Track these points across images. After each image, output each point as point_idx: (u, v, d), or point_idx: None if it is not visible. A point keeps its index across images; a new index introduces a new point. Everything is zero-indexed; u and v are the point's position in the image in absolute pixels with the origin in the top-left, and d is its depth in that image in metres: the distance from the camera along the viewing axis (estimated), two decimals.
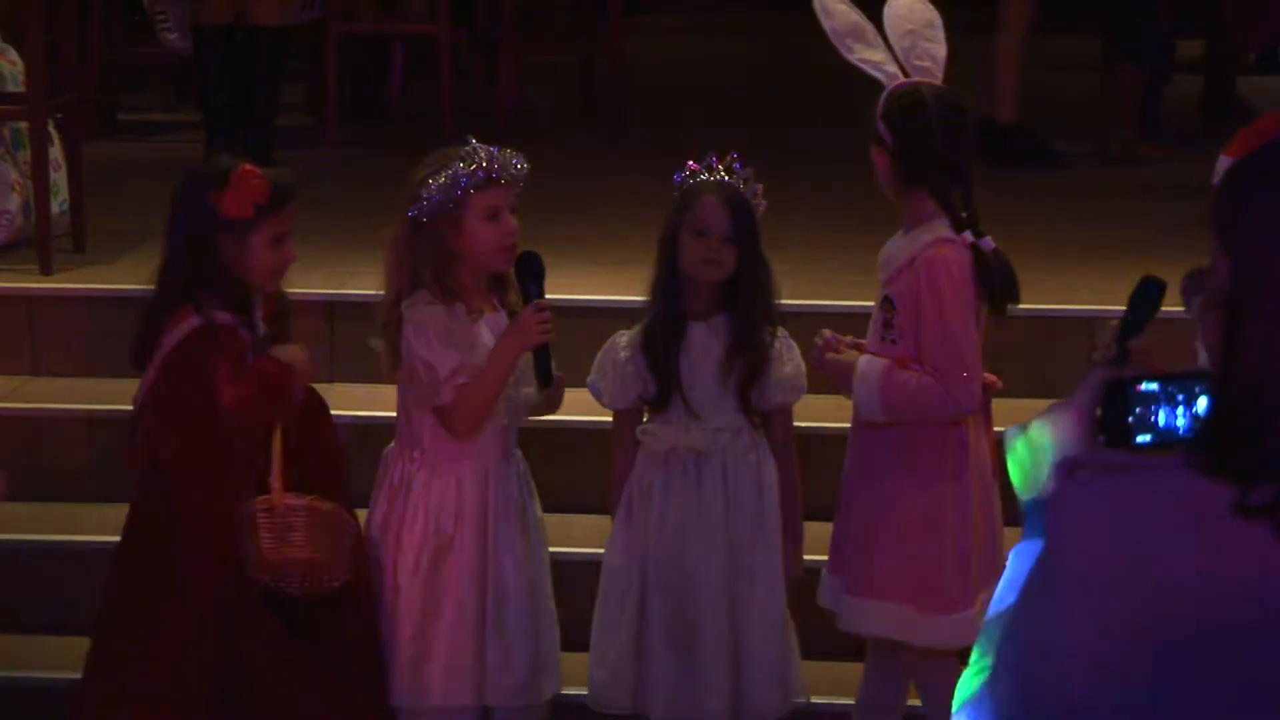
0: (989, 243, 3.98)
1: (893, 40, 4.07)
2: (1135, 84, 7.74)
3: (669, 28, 10.65)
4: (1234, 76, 8.13)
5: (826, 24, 4.08)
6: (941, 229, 3.95)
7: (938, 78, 4.03)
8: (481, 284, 4.09)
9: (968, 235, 3.95)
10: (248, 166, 3.99)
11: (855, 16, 4.09)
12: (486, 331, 4.06)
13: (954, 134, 3.97)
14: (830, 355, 4.06)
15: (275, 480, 3.94)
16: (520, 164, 4.06)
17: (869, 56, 4.05)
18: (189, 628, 4.01)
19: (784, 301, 4.65)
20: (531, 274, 4.02)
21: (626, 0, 8.68)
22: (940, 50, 4.06)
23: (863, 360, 3.99)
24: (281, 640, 4.05)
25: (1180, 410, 1.78)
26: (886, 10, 4.12)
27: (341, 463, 4.20)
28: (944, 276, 3.92)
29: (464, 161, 4.01)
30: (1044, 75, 8.38)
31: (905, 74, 4.03)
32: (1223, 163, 3.77)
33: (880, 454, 4.04)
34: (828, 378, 4.11)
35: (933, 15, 4.11)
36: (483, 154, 4.02)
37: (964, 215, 3.96)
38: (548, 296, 4.02)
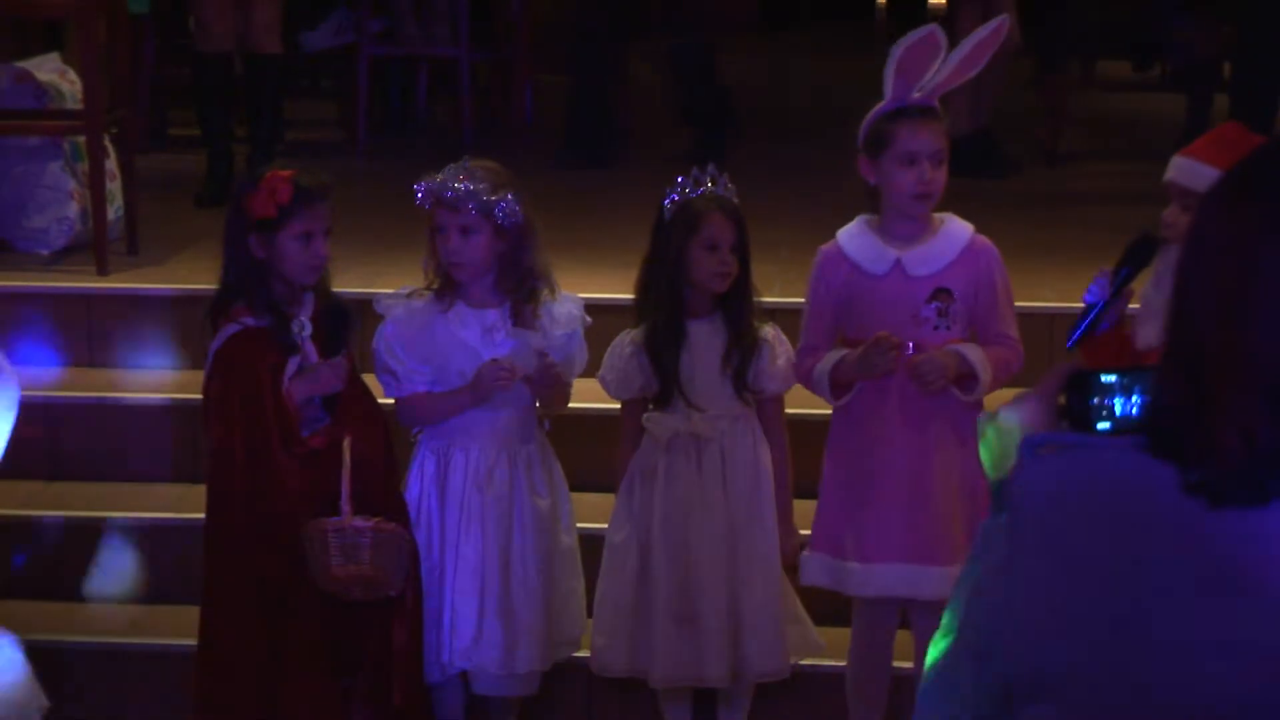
0: None
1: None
2: (1064, 90, 7.97)
3: (667, 51, 10.61)
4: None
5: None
6: (957, 220, 4.03)
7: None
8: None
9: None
10: (280, 171, 3.92)
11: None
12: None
13: None
14: (920, 357, 3.91)
15: (346, 502, 3.84)
16: (458, 192, 3.99)
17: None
18: (240, 599, 3.94)
19: (776, 299, 4.60)
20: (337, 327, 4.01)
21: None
22: (942, 75, 3.95)
23: (964, 349, 3.93)
24: (329, 629, 3.96)
25: (1135, 400, 1.80)
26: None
27: (394, 470, 4.11)
28: (1000, 259, 4.04)
29: (436, 176, 4.04)
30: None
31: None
32: (1179, 162, 3.77)
33: (910, 429, 3.96)
34: (920, 376, 3.91)
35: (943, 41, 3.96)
36: (439, 176, 4.03)
37: None
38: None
